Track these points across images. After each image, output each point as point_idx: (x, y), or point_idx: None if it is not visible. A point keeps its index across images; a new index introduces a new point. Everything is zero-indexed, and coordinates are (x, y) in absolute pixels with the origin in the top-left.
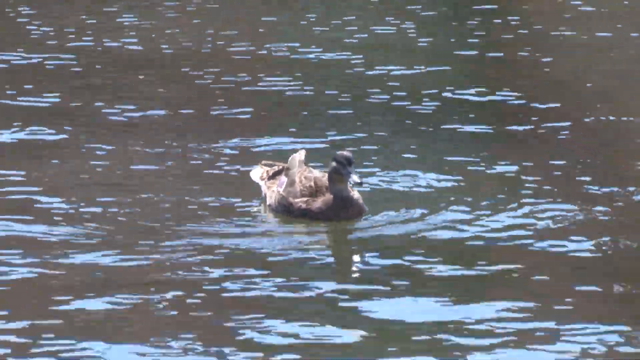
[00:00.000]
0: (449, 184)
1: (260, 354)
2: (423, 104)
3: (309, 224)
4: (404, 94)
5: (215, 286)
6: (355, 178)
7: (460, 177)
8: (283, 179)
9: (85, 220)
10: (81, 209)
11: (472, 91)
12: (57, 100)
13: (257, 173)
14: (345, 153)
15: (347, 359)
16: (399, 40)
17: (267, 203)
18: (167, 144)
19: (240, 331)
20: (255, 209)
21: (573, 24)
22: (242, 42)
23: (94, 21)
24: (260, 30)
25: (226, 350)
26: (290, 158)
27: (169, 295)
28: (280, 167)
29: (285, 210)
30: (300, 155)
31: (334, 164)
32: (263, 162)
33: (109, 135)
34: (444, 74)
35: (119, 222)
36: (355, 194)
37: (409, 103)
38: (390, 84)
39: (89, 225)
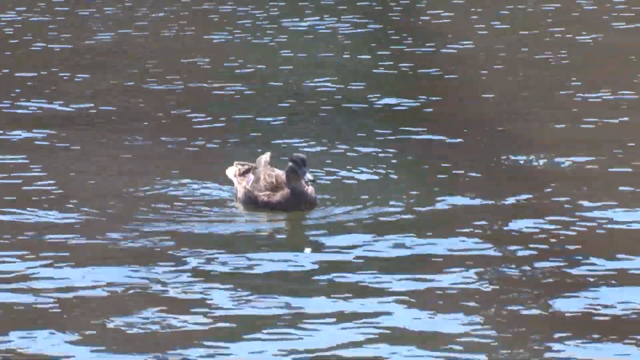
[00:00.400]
0: (385, 179)
1: (215, 321)
2: (352, 111)
3: (270, 213)
4: (337, 103)
5: (182, 261)
6: (309, 176)
7: (393, 171)
8: (251, 176)
9: (60, 209)
10: (59, 199)
11: (393, 100)
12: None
13: (232, 171)
14: (300, 155)
15: (301, 326)
16: (331, 58)
17: (238, 196)
18: (148, 145)
19: (200, 299)
20: (228, 201)
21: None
22: (194, 55)
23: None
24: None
25: (186, 317)
26: (257, 159)
27: (141, 269)
28: (249, 166)
29: (251, 202)
30: (266, 157)
31: (290, 164)
32: (236, 162)
33: (80, 132)
34: (368, 86)
35: (98, 210)
36: (309, 189)
37: (343, 110)
38: (325, 96)
39: (64, 212)
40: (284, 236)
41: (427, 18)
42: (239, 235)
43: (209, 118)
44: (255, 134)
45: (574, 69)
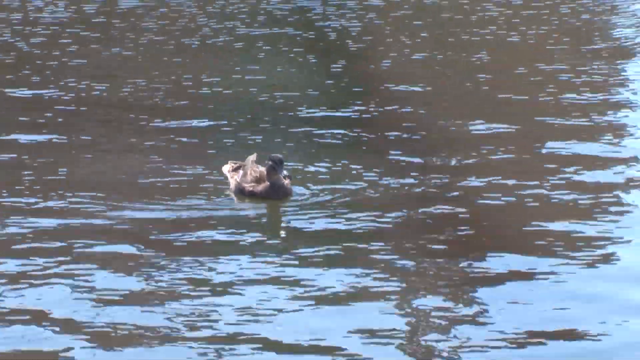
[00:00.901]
0: (342, 173)
1: (203, 291)
2: (310, 121)
3: (254, 200)
4: (296, 114)
5: (174, 236)
6: (285, 172)
7: (347, 167)
8: (241, 172)
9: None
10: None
11: (341, 110)
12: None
13: (226, 168)
14: (278, 156)
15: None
16: (290, 77)
17: (230, 187)
18: (157, 145)
19: (187, 270)
20: (222, 192)
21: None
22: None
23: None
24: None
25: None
26: (246, 159)
27: (139, 245)
28: (240, 164)
29: (240, 192)
30: (253, 157)
31: (270, 162)
32: (230, 161)
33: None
34: (321, 99)
35: (108, 195)
36: (285, 181)
37: (301, 120)
38: (285, 108)
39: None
40: (264, 219)
41: (361, 33)
42: (230, 216)
43: (203, 124)
44: (239, 138)
45: (494, 72)
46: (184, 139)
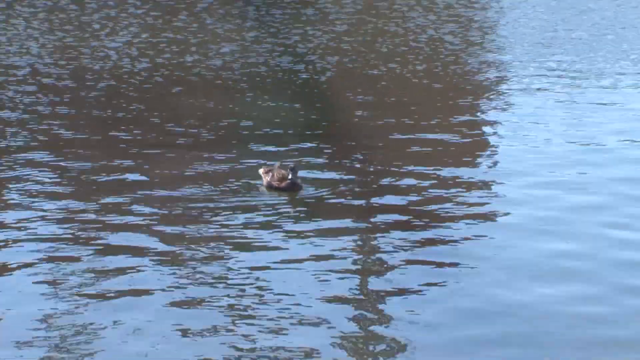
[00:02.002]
0: (328, 174)
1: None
2: (298, 140)
3: (279, 193)
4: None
5: (224, 215)
6: (294, 178)
7: (328, 168)
8: (270, 174)
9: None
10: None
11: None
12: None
13: (261, 170)
14: (292, 164)
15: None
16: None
17: (263, 184)
18: (205, 156)
19: (234, 229)
20: (257, 187)
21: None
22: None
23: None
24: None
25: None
26: (274, 165)
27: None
28: (270, 168)
29: (270, 187)
30: (277, 164)
31: (292, 165)
32: (264, 166)
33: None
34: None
35: (171, 191)
36: (298, 180)
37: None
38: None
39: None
40: (286, 204)
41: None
42: (263, 202)
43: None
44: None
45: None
46: (226, 150)
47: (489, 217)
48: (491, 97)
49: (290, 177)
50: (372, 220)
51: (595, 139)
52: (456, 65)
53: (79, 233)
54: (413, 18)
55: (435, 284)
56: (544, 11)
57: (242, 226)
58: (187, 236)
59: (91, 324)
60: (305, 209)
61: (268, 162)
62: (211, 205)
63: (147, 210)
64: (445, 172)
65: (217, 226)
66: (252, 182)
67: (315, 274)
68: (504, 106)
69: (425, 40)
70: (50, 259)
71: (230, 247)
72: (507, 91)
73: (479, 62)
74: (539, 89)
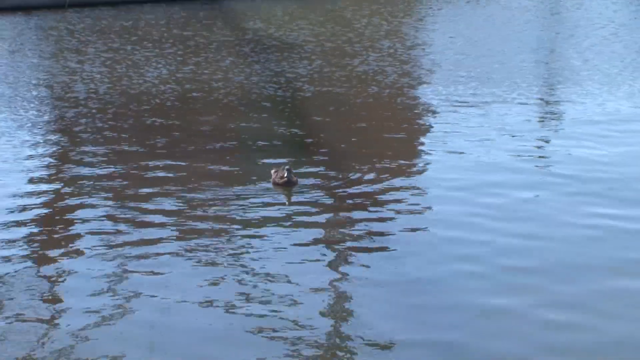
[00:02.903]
0: (312, 171)
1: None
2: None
3: (280, 187)
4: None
5: (241, 202)
6: (292, 177)
7: (315, 167)
8: (276, 173)
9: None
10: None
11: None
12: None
13: (272, 170)
14: (288, 166)
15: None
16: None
17: (271, 181)
18: (223, 159)
19: (248, 209)
20: (265, 184)
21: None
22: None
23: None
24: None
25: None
26: (280, 167)
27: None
28: (276, 169)
29: (274, 183)
30: (284, 167)
31: (286, 169)
32: (274, 167)
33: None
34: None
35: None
36: (293, 177)
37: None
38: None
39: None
40: (284, 194)
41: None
42: (269, 193)
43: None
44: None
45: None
46: (235, 155)
47: (424, 210)
48: (430, 115)
49: (286, 175)
50: (345, 203)
51: (519, 145)
52: (403, 89)
53: (123, 214)
54: (379, 49)
55: (379, 248)
56: (464, 43)
57: (251, 210)
58: (210, 215)
59: (128, 299)
60: (299, 198)
61: (276, 163)
62: (226, 196)
63: (178, 195)
64: (392, 174)
65: (231, 209)
66: (265, 179)
67: (299, 245)
68: (440, 122)
69: (373, 70)
70: (99, 235)
71: (240, 225)
72: (445, 109)
73: (424, 87)
74: (468, 105)
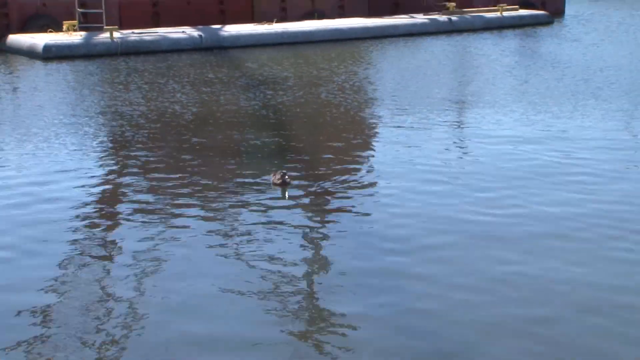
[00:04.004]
0: (303, 172)
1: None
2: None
3: (277, 188)
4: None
5: (245, 197)
6: (287, 179)
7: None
8: (275, 175)
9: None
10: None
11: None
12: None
13: (272, 174)
14: (284, 170)
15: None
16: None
17: (270, 181)
18: (228, 162)
19: (252, 205)
20: (266, 184)
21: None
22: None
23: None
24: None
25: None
26: (278, 171)
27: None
28: (275, 172)
29: (274, 184)
30: (281, 171)
31: (282, 172)
32: (272, 171)
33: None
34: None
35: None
36: (287, 179)
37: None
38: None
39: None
40: (279, 192)
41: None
42: (270, 190)
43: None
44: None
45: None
46: (242, 162)
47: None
48: (374, 130)
49: (281, 177)
50: (326, 195)
51: (466, 145)
52: (355, 111)
53: (156, 206)
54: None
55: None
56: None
57: (253, 207)
58: (225, 204)
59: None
60: (293, 194)
61: (273, 169)
62: (236, 190)
63: (197, 195)
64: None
65: (240, 200)
66: (259, 181)
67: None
68: (381, 135)
69: (334, 97)
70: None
71: (247, 213)
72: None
73: (369, 109)
74: (400, 125)
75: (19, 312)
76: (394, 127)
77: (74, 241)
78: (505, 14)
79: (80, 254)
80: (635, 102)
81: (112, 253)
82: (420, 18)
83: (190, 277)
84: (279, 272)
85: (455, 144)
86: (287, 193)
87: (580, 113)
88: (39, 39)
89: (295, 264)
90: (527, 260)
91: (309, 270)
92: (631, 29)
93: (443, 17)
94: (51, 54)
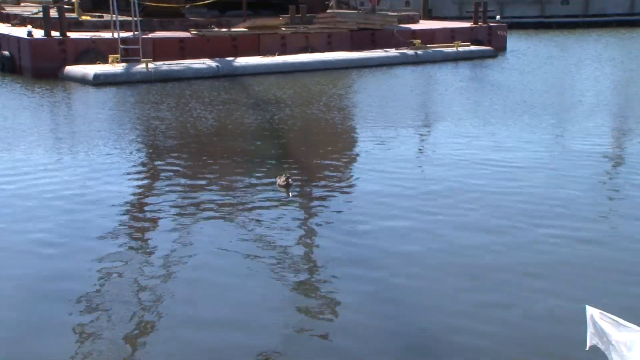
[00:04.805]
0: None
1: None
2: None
3: (282, 189)
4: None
5: (250, 196)
6: (290, 181)
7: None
8: (280, 178)
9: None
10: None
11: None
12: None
13: (277, 176)
14: (287, 174)
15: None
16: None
17: (276, 183)
18: (237, 166)
19: (259, 198)
20: (273, 185)
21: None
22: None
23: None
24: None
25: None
26: (282, 174)
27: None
28: (279, 176)
29: (278, 185)
30: (285, 174)
31: (287, 174)
32: (279, 174)
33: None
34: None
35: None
36: (290, 181)
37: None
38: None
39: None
40: (283, 192)
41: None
42: (276, 191)
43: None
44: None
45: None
46: (248, 167)
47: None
48: (353, 139)
49: (285, 180)
50: (322, 195)
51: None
52: (340, 126)
53: (178, 201)
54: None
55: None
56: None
57: (261, 203)
58: (238, 200)
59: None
60: (295, 193)
61: (278, 172)
62: (247, 191)
63: (214, 192)
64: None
65: (250, 199)
66: (271, 184)
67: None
68: (360, 146)
69: (323, 114)
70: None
71: (255, 209)
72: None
73: (351, 125)
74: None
75: (67, 300)
76: (372, 138)
77: (114, 230)
78: (460, 49)
79: (119, 245)
80: (560, 117)
81: (141, 245)
82: (392, 52)
83: (202, 264)
84: (281, 259)
85: (421, 151)
86: (290, 192)
87: (519, 126)
88: (89, 69)
89: (297, 253)
90: (502, 250)
91: (307, 258)
92: (557, 62)
93: (411, 51)
94: (99, 81)
